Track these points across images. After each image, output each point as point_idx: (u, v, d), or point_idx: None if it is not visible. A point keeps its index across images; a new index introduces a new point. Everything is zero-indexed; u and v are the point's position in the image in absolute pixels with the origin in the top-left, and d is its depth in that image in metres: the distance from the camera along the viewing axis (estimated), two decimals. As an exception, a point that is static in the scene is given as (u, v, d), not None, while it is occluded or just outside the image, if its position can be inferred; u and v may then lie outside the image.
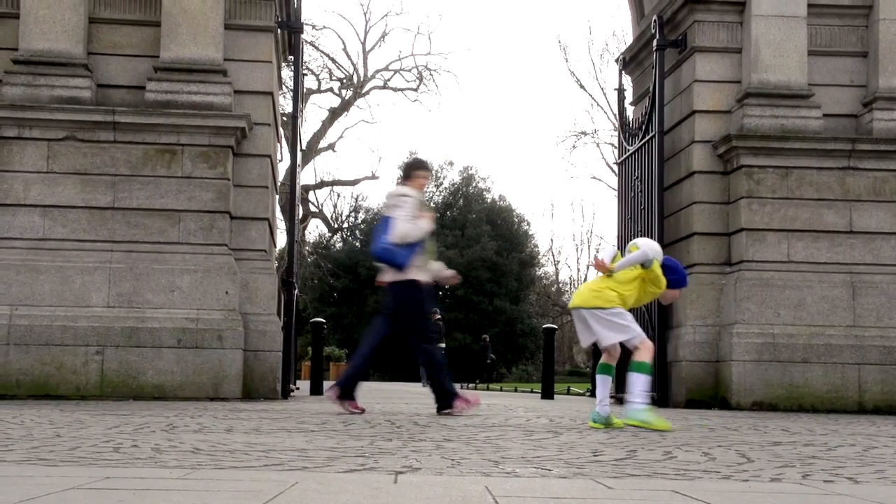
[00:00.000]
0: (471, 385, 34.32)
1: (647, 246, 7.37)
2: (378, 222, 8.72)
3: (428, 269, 8.78)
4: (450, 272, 9.29)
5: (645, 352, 7.17)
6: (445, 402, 8.64)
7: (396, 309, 8.71)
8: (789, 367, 11.49)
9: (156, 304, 10.97)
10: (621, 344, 7.30)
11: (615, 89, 15.45)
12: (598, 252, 7.88)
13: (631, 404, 7.14)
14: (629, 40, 16.52)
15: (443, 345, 29.42)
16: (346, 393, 8.58)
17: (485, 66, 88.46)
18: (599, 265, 7.33)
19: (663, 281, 7.30)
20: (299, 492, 3.26)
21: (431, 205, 59.78)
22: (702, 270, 12.20)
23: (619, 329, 7.18)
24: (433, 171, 9.66)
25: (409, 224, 8.44)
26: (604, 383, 7.27)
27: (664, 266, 7.33)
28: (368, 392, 19.10)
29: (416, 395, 16.95)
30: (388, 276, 8.70)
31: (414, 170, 8.85)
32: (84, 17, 11.42)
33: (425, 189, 8.89)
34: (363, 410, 8.64)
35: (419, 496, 3.22)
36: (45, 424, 6.36)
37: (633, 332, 7.20)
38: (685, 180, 12.60)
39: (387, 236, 8.49)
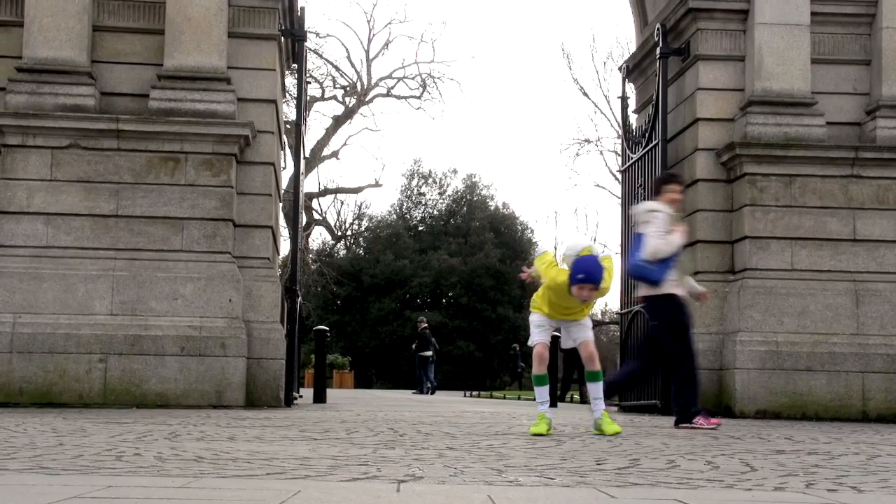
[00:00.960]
0: (473, 393, 34.30)
1: (566, 243, 7.74)
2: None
3: (683, 284, 8.86)
4: (702, 289, 9.38)
5: (533, 364, 7.49)
6: (684, 416, 8.59)
7: (653, 323, 8.86)
8: (793, 375, 11.46)
9: (159, 312, 10.97)
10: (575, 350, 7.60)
11: (618, 97, 15.44)
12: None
13: None
14: (633, 48, 16.53)
15: (430, 353, 29.56)
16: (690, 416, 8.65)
17: (488, 73, 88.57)
18: (525, 275, 7.78)
19: (547, 275, 7.37)
20: (301, 500, 3.26)
21: (434, 213, 59.88)
22: (705, 278, 12.15)
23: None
24: (678, 184, 9.33)
25: (661, 240, 8.50)
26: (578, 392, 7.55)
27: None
28: (371, 400, 19.09)
29: (419, 403, 16.94)
30: (643, 291, 8.85)
31: (664, 184, 8.93)
32: (88, 25, 11.43)
33: (678, 204, 8.91)
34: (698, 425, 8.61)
35: (421, 505, 3.22)
36: (48, 433, 6.36)
37: (531, 342, 7.50)
38: (688, 188, 12.57)
39: (640, 253, 8.60)
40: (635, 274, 8.89)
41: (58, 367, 10.64)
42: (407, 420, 9.12)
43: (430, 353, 29.63)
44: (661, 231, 8.50)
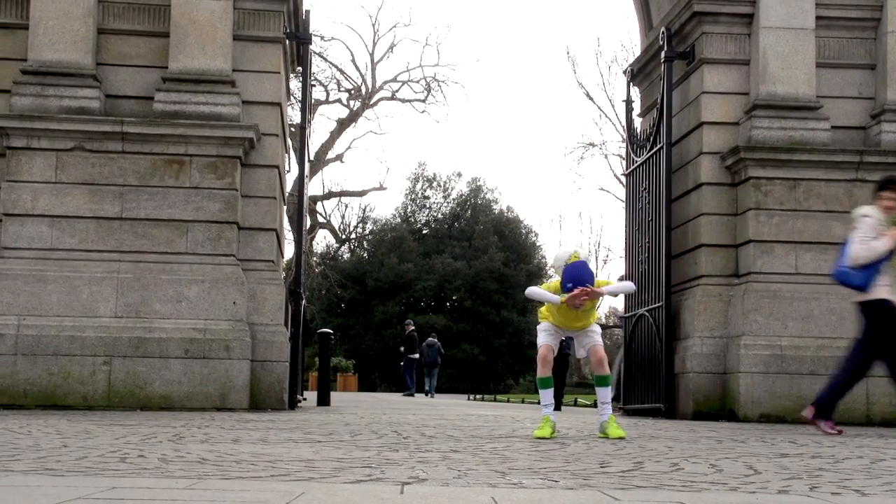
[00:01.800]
0: (477, 397, 34.28)
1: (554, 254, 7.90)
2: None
3: None
4: None
5: (537, 367, 7.54)
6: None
7: (867, 329, 8.83)
8: (797, 379, 11.44)
9: (163, 315, 10.98)
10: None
11: (623, 101, 15.45)
12: None
13: None
14: (637, 52, 16.53)
15: (416, 355, 29.75)
16: (823, 412, 8.79)
17: (493, 77, 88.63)
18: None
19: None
20: (305, 502, 3.26)
21: (438, 216, 59.84)
22: (709, 282, 12.17)
23: None
24: (894, 191, 9.04)
25: (861, 246, 8.55)
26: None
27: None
28: (375, 403, 19.09)
29: (423, 407, 16.93)
30: (856, 296, 8.89)
31: (879, 190, 8.87)
32: (93, 27, 11.45)
33: (892, 211, 8.71)
34: (840, 432, 8.66)
35: (425, 507, 3.22)
36: (53, 434, 6.37)
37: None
38: (693, 192, 12.59)
39: (843, 259, 8.70)
40: (838, 279, 8.92)
41: (62, 370, 10.65)
42: (411, 423, 9.12)
43: (416, 355, 29.89)
44: (867, 236, 8.55)
